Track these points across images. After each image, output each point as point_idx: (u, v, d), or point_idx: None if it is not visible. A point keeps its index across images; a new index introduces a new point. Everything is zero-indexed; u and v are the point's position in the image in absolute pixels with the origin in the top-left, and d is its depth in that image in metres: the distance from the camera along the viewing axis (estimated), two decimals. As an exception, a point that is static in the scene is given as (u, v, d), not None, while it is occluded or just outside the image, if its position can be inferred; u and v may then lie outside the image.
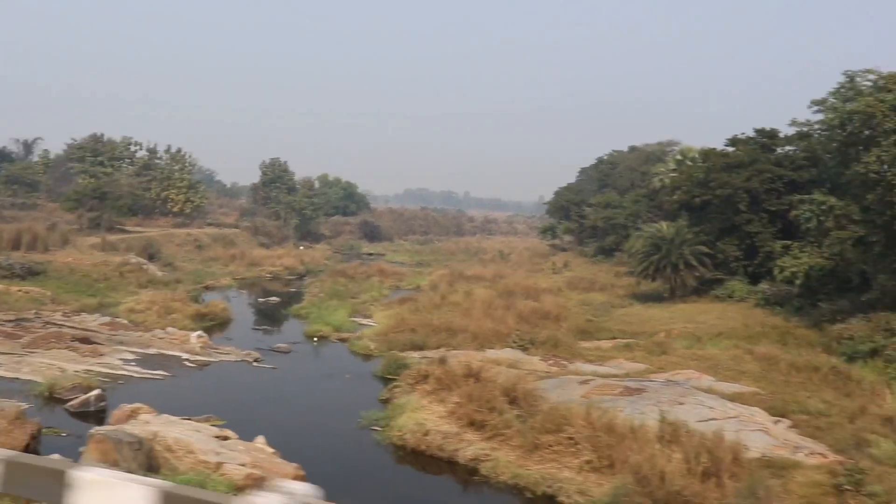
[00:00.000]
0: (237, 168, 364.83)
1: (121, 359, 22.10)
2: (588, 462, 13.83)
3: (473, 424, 15.73)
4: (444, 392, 17.02)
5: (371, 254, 73.66)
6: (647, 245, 38.28)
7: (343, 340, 27.73)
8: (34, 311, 27.98)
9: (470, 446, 15.25)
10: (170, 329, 26.33)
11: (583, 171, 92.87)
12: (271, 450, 14.14)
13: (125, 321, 27.72)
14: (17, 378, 19.21)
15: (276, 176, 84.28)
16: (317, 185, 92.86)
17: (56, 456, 10.74)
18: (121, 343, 24.02)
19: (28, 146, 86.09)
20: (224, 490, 11.30)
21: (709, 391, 18.43)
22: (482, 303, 31.63)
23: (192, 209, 68.50)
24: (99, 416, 16.73)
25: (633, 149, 78.27)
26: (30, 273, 33.63)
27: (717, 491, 12.34)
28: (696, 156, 46.53)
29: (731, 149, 39.92)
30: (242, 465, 12.86)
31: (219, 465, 12.65)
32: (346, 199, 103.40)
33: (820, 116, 32.49)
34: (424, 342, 25.47)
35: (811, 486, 12.48)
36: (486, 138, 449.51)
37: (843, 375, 20.10)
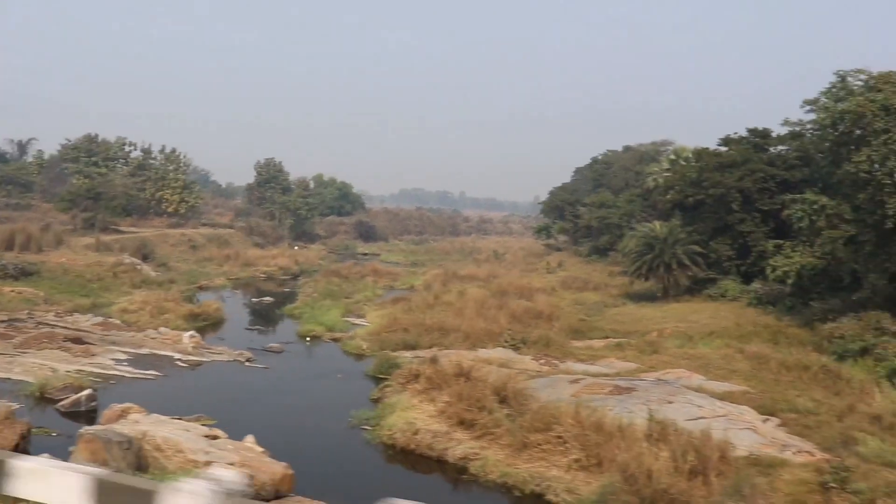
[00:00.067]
0: (232, 168, 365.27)
1: (113, 359, 22.13)
2: (576, 461, 13.90)
3: (463, 423, 15.80)
4: (434, 391, 17.08)
5: (366, 254, 73.70)
6: (641, 244, 38.38)
7: (336, 340, 27.78)
8: (27, 311, 27.97)
9: (459, 445, 15.31)
10: (162, 329, 26.35)
11: (577, 170, 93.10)
12: (260, 449, 14.17)
13: (118, 321, 27.74)
14: (9, 378, 19.23)
15: (270, 176, 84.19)
16: (312, 185, 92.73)
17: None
18: (113, 343, 24.04)
19: (22, 146, 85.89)
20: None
21: (699, 390, 18.53)
22: (475, 302, 31.68)
23: (186, 209, 68.44)
24: (90, 416, 16.77)
25: (627, 148, 78.55)
26: (23, 273, 33.61)
27: (703, 489, 12.43)
28: (690, 155, 46.64)
29: (723, 148, 40.01)
30: (231, 464, 12.89)
31: (207, 464, 12.68)
32: (342, 199, 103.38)
33: (812, 116, 32.60)
34: (417, 342, 25.52)
35: (797, 484, 12.56)
36: (482, 139, 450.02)
37: (832, 374, 20.20)
